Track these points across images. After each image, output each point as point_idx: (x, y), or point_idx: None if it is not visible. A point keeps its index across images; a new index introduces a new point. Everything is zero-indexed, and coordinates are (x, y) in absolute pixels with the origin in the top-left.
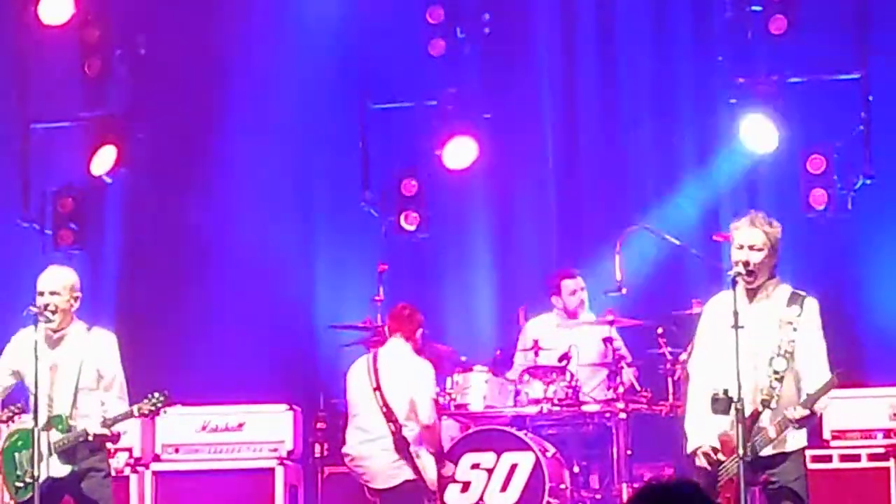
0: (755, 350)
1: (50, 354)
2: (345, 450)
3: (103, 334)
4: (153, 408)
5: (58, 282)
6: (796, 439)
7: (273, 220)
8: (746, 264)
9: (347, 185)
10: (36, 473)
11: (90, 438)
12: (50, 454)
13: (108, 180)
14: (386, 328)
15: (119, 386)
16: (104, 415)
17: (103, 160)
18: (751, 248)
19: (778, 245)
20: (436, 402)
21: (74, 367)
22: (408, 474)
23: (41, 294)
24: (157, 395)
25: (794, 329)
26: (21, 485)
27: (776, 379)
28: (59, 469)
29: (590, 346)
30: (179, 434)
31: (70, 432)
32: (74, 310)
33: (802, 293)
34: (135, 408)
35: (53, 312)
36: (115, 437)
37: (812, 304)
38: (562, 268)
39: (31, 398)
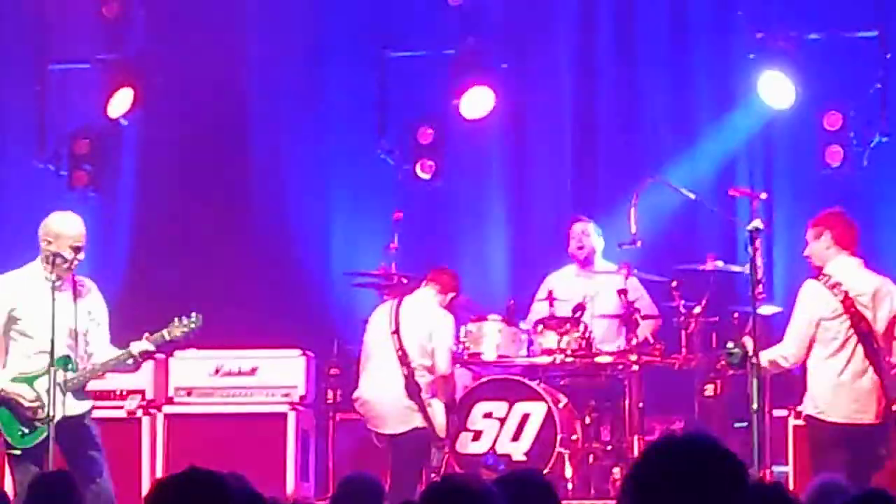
0: None
1: (55, 299)
2: (356, 393)
3: (90, 281)
4: (187, 331)
5: (84, 234)
6: None
7: (289, 166)
8: None
9: (364, 133)
10: (49, 413)
11: (138, 358)
12: (62, 393)
13: (125, 122)
14: (424, 278)
15: (107, 329)
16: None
17: (120, 102)
18: None
19: None
20: (453, 352)
21: (72, 313)
22: (418, 421)
23: (79, 249)
24: (191, 320)
25: None
26: (27, 431)
27: None
28: (79, 406)
29: (605, 297)
30: (192, 377)
31: (87, 368)
32: None
33: None
34: (166, 332)
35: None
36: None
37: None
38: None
39: (24, 340)
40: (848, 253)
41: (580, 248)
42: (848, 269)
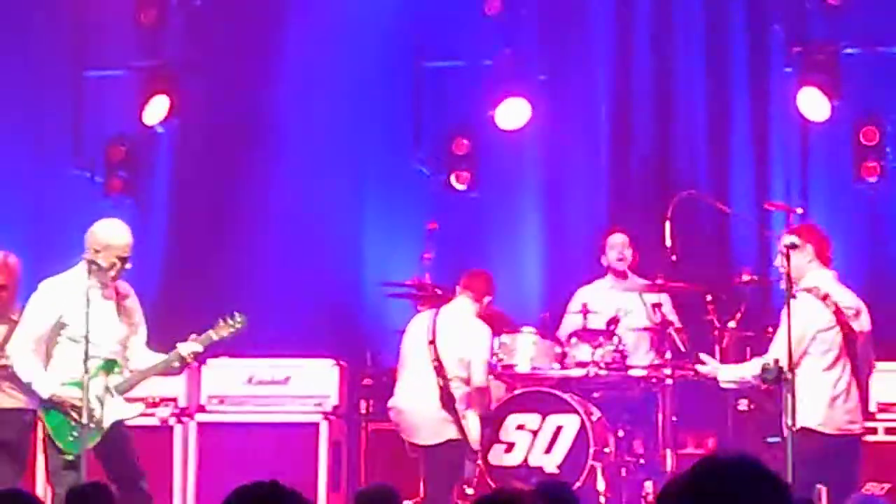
0: None
1: (100, 305)
2: (391, 402)
3: (126, 284)
4: (232, 331)
5: (130, 243)
6: None
7: (324, 176)
8: None
9: (399, 143)
10: (98, 416)
11: (188, 360)
12: (111, 397)
13: (160, 130)
14: (457, 286)
15: (145, 334)
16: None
17: (156, 110)
18: None
19: None
20: (489, 365)
21: (117, 318)
22: (452, 433)
23: (125, 259)
24: (235, 319)
25: None
26: (77, 435)
27: None
28: (129, 409)
29: (638, 310)
30: (225, 385)
31: (135, 371)
32: None
33: None
34: (213, 333)
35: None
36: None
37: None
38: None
39: (71, 345)
40: (826, 266)
41: (620, 259)
42: (829, 282)
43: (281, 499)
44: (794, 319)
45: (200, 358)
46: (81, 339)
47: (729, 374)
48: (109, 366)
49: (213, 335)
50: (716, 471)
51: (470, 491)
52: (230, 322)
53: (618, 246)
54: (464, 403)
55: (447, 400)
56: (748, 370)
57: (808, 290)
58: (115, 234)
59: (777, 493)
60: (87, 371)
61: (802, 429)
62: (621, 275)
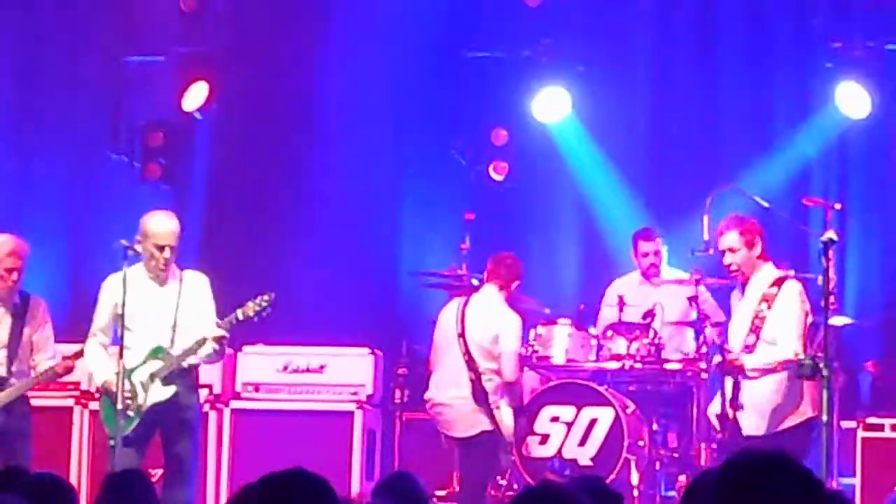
0: None
1: (153, 293)
2: (427, 395)
3: (198, 275)
4: (259, 309)
5: (176, 234)
6: None
7: (362, 164)
8: None
9: (438, 133)
10: (141, 401)
11: (214, 345)
12: (152, 382)
13: (199, 116)
14: (484, 273)
15: (207, 325)
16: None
17: (195, 96)
18: None
19: None
20: (520, 356)
21: (173, 306)
22: (485, 424)
23: (162, 248)
24: (262, 297)
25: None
26: (122, 422)
27: None
28: (163, 392)
29: (674, 304)
30: (260, 373)
31: (171, 357)
32: None
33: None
34: (239, 311)
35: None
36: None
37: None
38: (645, 227)
39: (126, 333)
40: (767, 260)
41: (653, 266)
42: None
43: (306, 485)
44: (799, 305)
45: (236, 345)
46: (134, 328)
47: (755, 362)
48: (156, 352)
49: (239, 314)
50: (748, 465)
51: (503, 482)
52: (257, 301)
53: (649, 255)
54: (496, 395)
55: (479, 393)
56: (771, 356)
57: (794, 279)
58: (153, 223)
59: (810, 488)
60: (121, 358)
61: (814, 420)
62: (645, 274)
